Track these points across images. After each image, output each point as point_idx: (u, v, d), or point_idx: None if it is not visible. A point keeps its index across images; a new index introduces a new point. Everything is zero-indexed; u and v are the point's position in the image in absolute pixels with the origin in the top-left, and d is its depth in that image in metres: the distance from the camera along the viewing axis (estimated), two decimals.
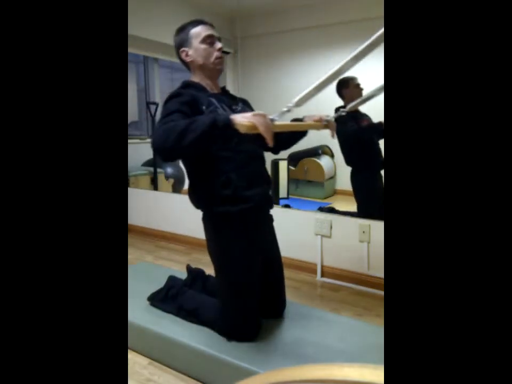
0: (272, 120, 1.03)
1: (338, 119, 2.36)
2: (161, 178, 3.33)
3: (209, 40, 1.28)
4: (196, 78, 1.33)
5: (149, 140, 3.60)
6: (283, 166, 3.13)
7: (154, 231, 2.89)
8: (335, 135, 1.34)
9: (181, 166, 3.70)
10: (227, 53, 3.46)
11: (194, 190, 1.34)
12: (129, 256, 2.46)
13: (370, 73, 2.67)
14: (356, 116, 2.26)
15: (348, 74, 2.59)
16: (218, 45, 1.29)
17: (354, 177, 2.39)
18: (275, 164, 3.08)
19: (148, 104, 3.36)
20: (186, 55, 1.30)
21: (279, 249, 1.48)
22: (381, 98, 2.45)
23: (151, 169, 3.28)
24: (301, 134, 1.42)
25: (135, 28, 2.93)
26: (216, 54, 1.29)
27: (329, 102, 3.15)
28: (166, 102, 1.21)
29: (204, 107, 1.21)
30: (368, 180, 2.35)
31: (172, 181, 3.45)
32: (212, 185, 1.27)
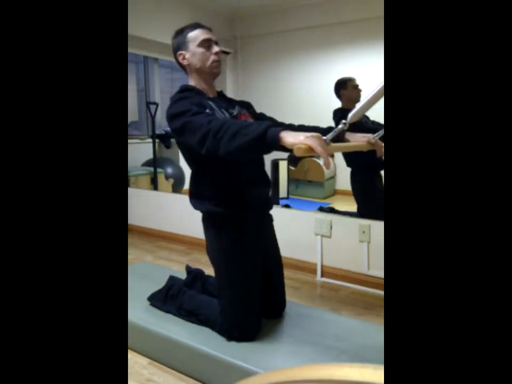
0: (325, 140, 0.99)
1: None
2: (161, 178, 3.33)
3: (206, 44, 1.30)
4: (193, 81, 1.35)
5: (149, 140, 3.60)
6: (283, 166, 3.12)
7: (154, 231, 2.89)
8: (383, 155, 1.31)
9: (180, 166, 3.70)
10: (227, 53, 3.45)
11: (196, 190, 1.35)
12: (129, 256, 2.46)
13: (370, 73, 2.67)
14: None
15: (346, 75, 2.58)
16: (215, 48, 1.31)
17: (354, 179, 2.39)
18: (275, 164, 3.08)
19: (148, 104, 3.36)
20: (184, 58, 1.32)
21: (279, 249, 1.48)
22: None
23: (151, 169, 3.28)
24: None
25: (135, 28, 2.92)
26: (212, 57, 1.30)
27: (325, 101, 3.15)
28: (174, 103, 1.22)
29: (207, 110, 1.22)
30: (368, 181, 2.35)
31: (171, 181, 3.45)
32: (214, 186, 1.29)
